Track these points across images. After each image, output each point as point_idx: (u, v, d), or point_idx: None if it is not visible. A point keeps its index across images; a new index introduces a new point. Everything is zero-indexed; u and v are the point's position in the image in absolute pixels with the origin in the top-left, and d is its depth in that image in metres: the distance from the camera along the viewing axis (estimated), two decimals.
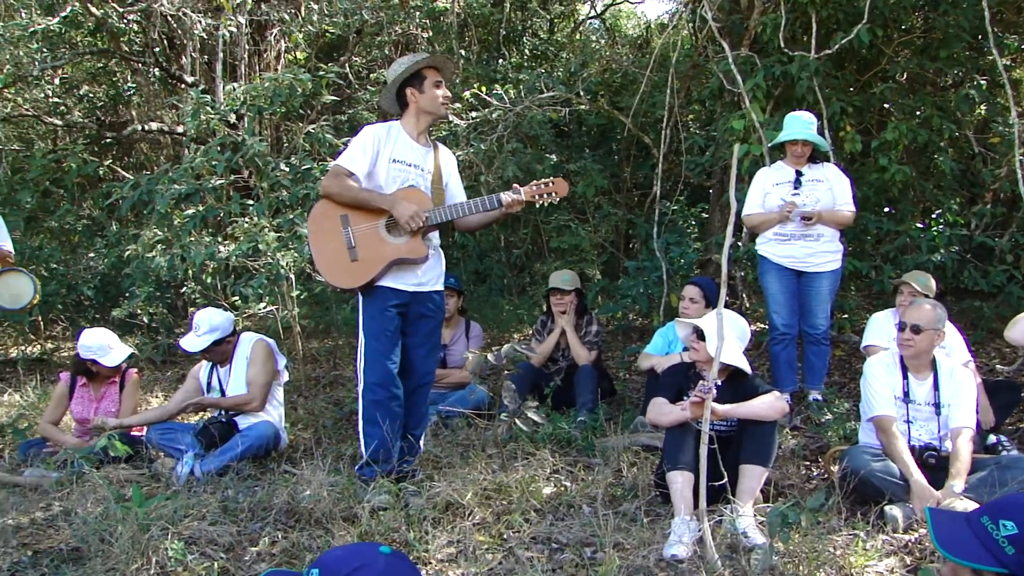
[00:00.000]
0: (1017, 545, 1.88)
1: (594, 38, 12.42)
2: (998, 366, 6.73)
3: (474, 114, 8.69)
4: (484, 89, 8.84)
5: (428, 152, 4.75)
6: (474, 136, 8.61)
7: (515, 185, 4.61)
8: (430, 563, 3.79)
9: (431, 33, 11.32)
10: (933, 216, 8.44)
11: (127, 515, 3.93)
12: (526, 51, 12.57)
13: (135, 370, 6.09)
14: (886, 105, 7.97)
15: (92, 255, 10.15)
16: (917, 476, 4.11)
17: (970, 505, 3.82)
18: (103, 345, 5.74)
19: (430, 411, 5.97)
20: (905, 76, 8.03)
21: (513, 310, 9.93)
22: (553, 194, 4.56)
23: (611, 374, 6.90)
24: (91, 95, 12.56)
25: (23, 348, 9.62)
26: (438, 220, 4.56)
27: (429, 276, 4.71)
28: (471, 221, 4.79)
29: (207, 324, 5.49)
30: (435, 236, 4.77)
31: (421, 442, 4.92)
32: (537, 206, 4.71)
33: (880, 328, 5.73)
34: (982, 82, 7.55)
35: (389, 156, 4.61)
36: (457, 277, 7.02)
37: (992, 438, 5.07)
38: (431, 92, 4.63)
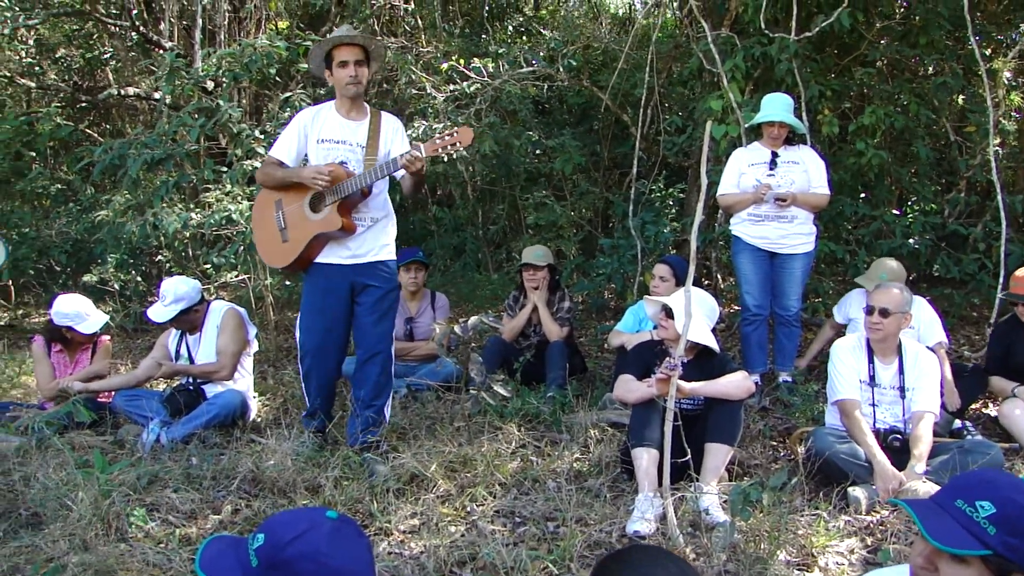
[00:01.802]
0: (998, 524, 1.86)
1: (577, 14, 12.33)
2: (966, 352, 6.78)
3: (451, 87, 8.62)
4: (463, 62, 8.77)
5: (359, 125, 4.73)
6: (452, 109, 8.55)
7: (415, 142, 4.55)
8: (393, 534, 3.79)
9: (413, 6, 11.21)
10: (908, 203, 8.47)
11: (88, 481, 3.90)
12: (510, 27, 12.48)
13: (107, 336, 6.04)
14: (865, 90, 7.97)
15: (64, 220, 10.03)
16: (880, 458, 4.14)
17: (931, 487, 3.85)
18: (79, 312, 5.70)
19: (399, 384, 5.97)
20: (885, 62, 8.03)
21: (488, 285, 9.91)
22: (457, 144, 4.42)
23: (583, 351, 6.89)
24: (67, 58, 12.39)
25: None
26: (346, 192, 4.51)
27: (369, 247, 4.72)
28: (405, 184, 4.76)
29: (173, 294, 5.44)
30: (374, 208, 4.73)
31: (386, 412, 4.90)
32: (445, 159, 4.67)
33: (850, 304, 5.96)
34: (959, 70, 7.55)
35: (316, 137, 4.69)
36: (423, 251, 7.00)
37: (957, 423, 5.12)
38: (337, 73, 4.62)
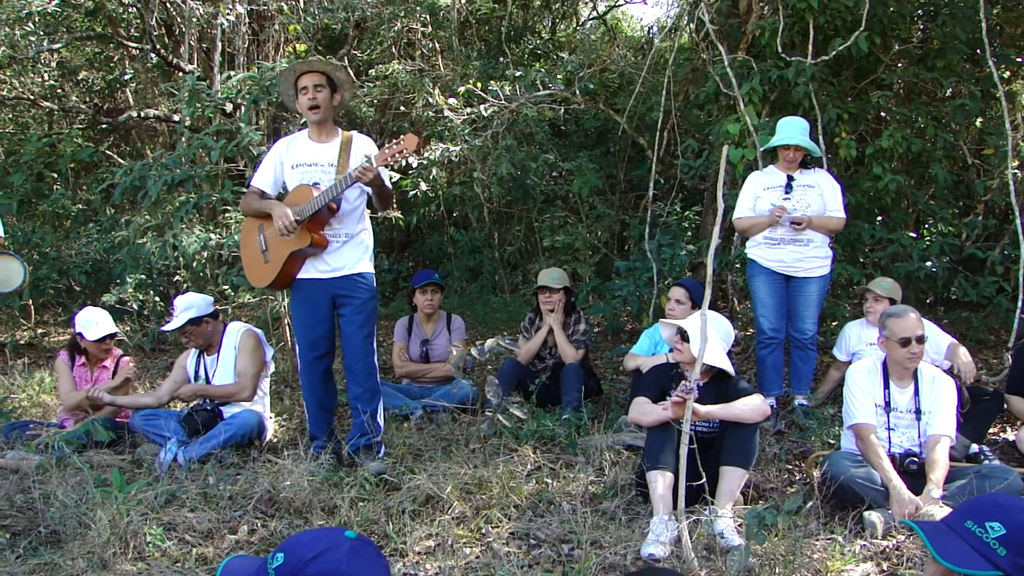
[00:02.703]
0: (1008, 545, 1.87)
1: (594, 37, 12.40)
2: (984, 376, 6.74)
3: (468, 110, 8.68)
4: (480, 85, 8.83)
5: (329, 146, 4.99)
6: (469, 132, 8.60)
7: (366, 155, 4.71)
8: (408, 555, 3.79)
9: (431, 29, 11.31)
10: (926, 226, 8.45)
11: (107, 500, 3.94)
12: (527, 50, 12.57)
13: (128, 358, 6.10)
14: (881, 113, 7.97)
15: (84, 240, 10.11)
16: (896, 482, 4.11)
17: (948, 512, 3.82)
18: (90, 320, 5.85)
19: (415, 405, 5.99)
20: (901, 85, 8.04)
21: (504, 307, 9.92)
22: (404, 150, 4.67)
23: (598, 374, 6.89)
24: (88, 80, 12.54)
25: (13, 332, 9.60)
26: (312, 209, 4.75)
27: (345, 261, 4.97)
28: (374, 199, 5.03)
29: (182, 305, 5.60)
30: (348, 223, 4.97)
31: (379, 419, 5.06)
32: (393, 165, 4.82)
33: (849, 338, 6.11)
34: (977, 92, 7.54)
35: (291, 164, 5.02)
36: (440, 273, 7.07)
37: (975, 447, 5.08)
38: (300, 99, 4.94)
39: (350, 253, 4.97)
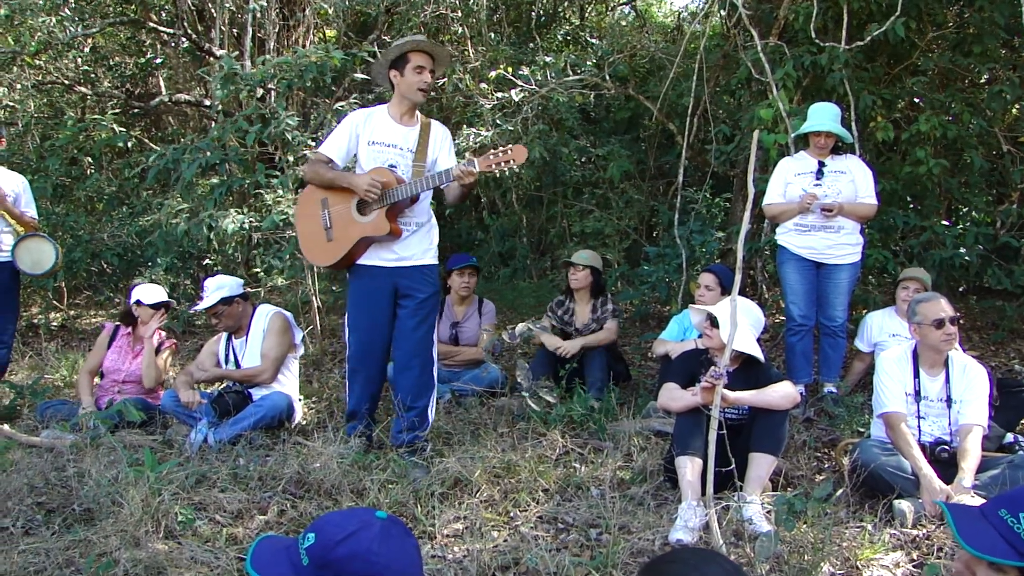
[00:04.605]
0: None
1: (624, 23, 12.32)
2: (1016, 367, 6.66)
3: (498, 95, 8.65)
4: (511, 70, 8.80)
5: (411, 130, 4.84)
6: (499, 116, 8.57)
7: (469, 156, 4.60)
8: (436, 538, 3.81)
9: (461, 15, 11.26)
10: (959, 214, 8.34)
11: (139, 479, 3.98)
12: (557, 36, 12.51)
13: (173, 340, 6.18)
14: (915, 100, 7.86)
15: (117, 223, 10.19)
16: (927, 470, 4.09)
17: (979, 502, 3.79)
18: (149, 288, 6.05)
19: (443, 389, 6.00)
20: (936, 72, 7.92)
21: (533, 291, 9.91)
22: (512, 161, 4.47)
23: (627, 359, 6.88)
24: (120, 65, 12.63)
25: (47, 315, 9.71)
26: (396, 198, 4.61)
27: (412, 251, 4.82)
28: (452, 194, 4.86)
29: (214, 285, 5.64)
30: (419, 213, 4.83)
31: (430, 414, 4.95)
32: (497, 174, 4.69)
33: (871, 328, 6.09)
34: (1015, 79, 7.41)
35: (368, 139, 4.79)
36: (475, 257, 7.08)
37: (1009, 437, 5.02)
38: (410, 77, 4.70)
39: (418, 243, 4.84)
